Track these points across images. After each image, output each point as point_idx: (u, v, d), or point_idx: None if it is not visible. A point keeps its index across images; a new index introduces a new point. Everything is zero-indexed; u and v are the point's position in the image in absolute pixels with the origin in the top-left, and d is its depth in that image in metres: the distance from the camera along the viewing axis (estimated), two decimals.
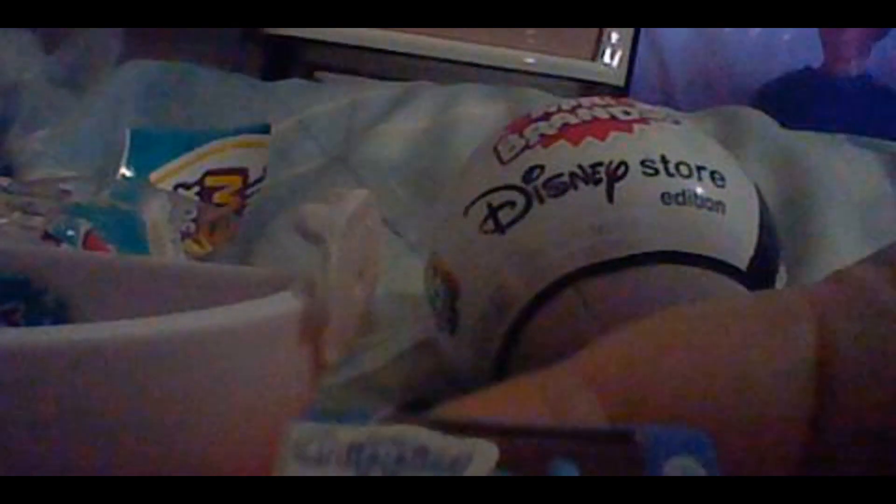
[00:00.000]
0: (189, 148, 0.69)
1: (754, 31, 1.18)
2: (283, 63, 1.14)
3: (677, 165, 0.36)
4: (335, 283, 0.24)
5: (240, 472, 0.22)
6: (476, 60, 1.13)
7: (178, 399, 0.21)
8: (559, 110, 0.39)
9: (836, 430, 0.17)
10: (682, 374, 0.17)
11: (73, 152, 0.68)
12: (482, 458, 0.15)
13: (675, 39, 1.18)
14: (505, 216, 0.36)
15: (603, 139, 0.37)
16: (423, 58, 1.12)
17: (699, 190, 0.36)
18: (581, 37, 1.14)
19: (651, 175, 0.36)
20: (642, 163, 0.36)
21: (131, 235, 0.48)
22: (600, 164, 0.36)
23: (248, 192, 0.68)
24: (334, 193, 0.26)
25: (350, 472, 0.15)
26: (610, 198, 0.35)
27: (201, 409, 0.21)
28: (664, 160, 0.36)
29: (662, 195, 0.35)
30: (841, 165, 0.68)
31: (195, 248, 0.57)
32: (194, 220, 0.56)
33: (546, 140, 0.38)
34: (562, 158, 0.37)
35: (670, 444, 0.15)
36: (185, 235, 0.55)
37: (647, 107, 0.40)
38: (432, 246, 0.41)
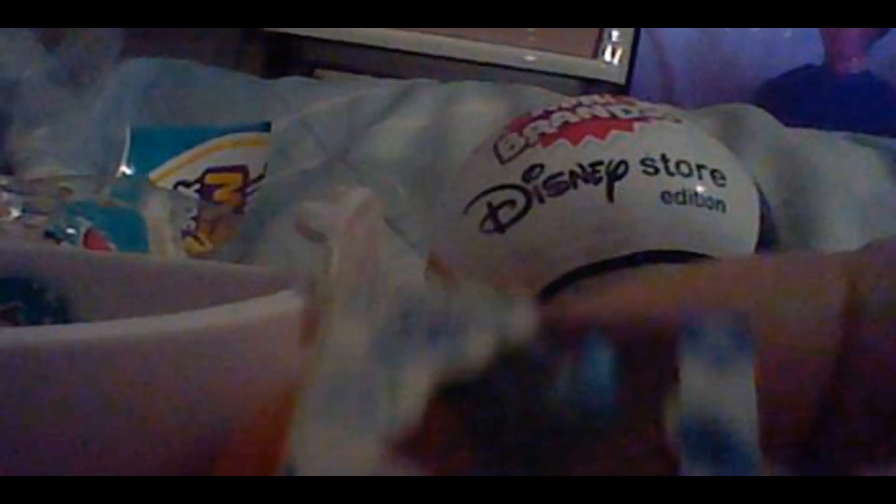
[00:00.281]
0: (189, 145, 0.69)
1: (755, 29, 1.18)
2: (283, 61, 1.14)
3: (677, 164, 0.36)
4: (336, 281, 0.24)
5: (240, 472, 0.22)
6: (476, 58, 1.13)
7: (179, 398, 0.21)
8: (559, 109, 0.39)
9: (857, 376, 0.18)
10: (721, 304, 0.18)
11: (73, 150, 0.68)
12: (522, 317, 0.16)
13: (676, 37, 1.17)
14: (505, 215, 0.36)
15: (603, 138, 0.37)
16: (423, 55, 1.12)
17: (699, 189, 0.36)
18: (582, 34, 1.14)
19: (651, 174, 0.36)
20: (642, 161, 0.36)
21: (132, 234, 0.48)
22: (600, 162, 0.36)
23: (249, 189, 0.68)
24: (336, 192, 0.26)
25: (395, 330, 0.16)
26: (610, 197, 0.35)
27: (201, 407, 0.21)
28: (664, 159, 0.36)
29: (662, 194, 0.35)
30: (842, 163, 0.67)
31: (195, 246, 0.57)
32: (195, 219, 0.56)
33: (546, 139, 0.38)
34: (562, 157, 0.37)
35: (702, 318, 0.16)
36: (186, 234, 0.55)
37: (648, 105, 0.40)
38: (432, 245, 0.41)
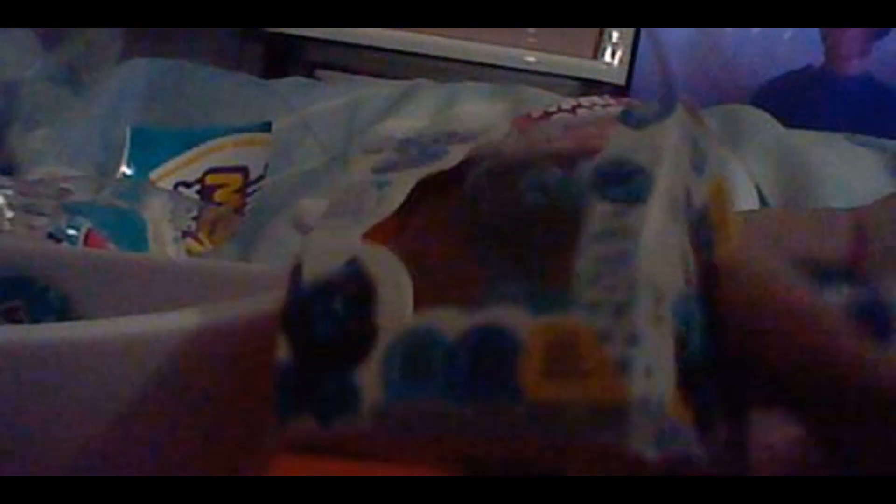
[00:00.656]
0: (189, 146, 0.69)
1: (755, 30, 1.18)
2: (283, 61, 1.14)
3: None
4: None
5: (240, 471, 0.22)
6: (477, 59, 1.13)
7: (179, 395, 0.21)
8: (559, 110, 0.39)
9: (868, 265, 0.19)
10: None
11: (73, 150, 0.69)
12: (497, 131, 0.17)
13: (676, 38, 1.17)
14: None
15: None
16: (423, 56, 1.12)
17: None
18: (582, 35, 1.14)
19: None
20: None
21: (132, 234, 0.48)
22: None
23: (249, 190, 0.68)
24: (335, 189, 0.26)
25: (394, 153, 0.18)
26: None
27: (203, 405, 0.21)
28: None
29: None
30: (842, 164, 0.68)
31: (195, 246, 0.57)
32: (195, 219, 0.56)
33: None
34: None
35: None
36: (186, 234, 0.55)
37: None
38: None
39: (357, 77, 1.07)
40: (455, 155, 0.17)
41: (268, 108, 0.75)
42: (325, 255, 0.17)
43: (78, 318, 0.28)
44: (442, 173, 0.17)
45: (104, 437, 0.20)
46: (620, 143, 0.16)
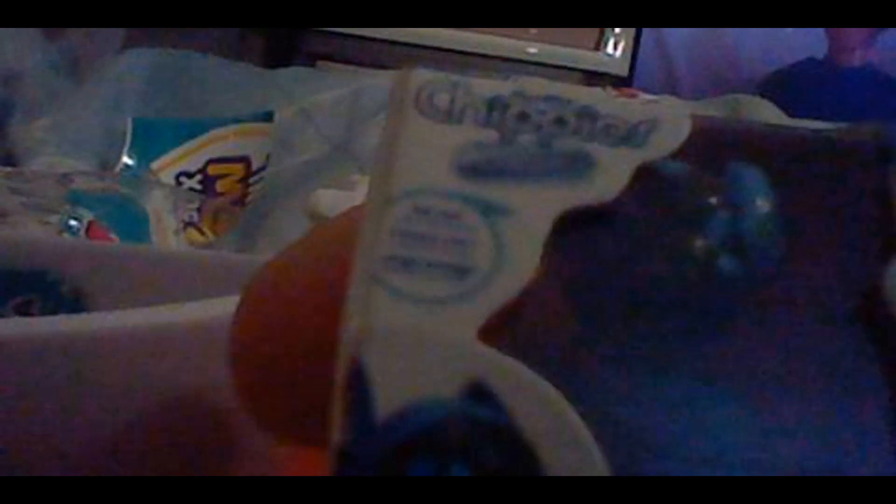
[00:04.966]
0: (191, 136, 0.69)
1: None
2: (284, 51, 1.14)
3: None
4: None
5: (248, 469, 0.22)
6: (478, 50, 1.12)
7: (191, 387, 0.21)
8: None
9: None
10: None
11: (74, 141, 0.68)
12: (671, 129, 0.11)
13: (679, 29, 1.17)
14: None
15: None
16: (425, 48, 1.12)
17: None
18: (584, 27, 1.14)
19: None
20: None
21: (133, 225, 0.48)
22: None
23: (251, 180, 0.68)
24: (349, 180, 0.26)
25: (490, 135, 0.10)
26: None
27: (210, 396, 0.21)
28: None
29: None
30: None
31: (197, 236, 0.56)
32: (197, 209, 0.56)
33: None
34: None
35: None
36: (189, 224, 0.55)
37: (650, 97, 0.40)
38: None
39: (359, 68, 1.07)
40: (613, 170, 0.10)
41: (269, 98, 0.75)
42: (415, 370, 0.09)
43: (90, 311, 0.28)
44: (597, 210, 0.10)
45: (117, 430, 0.20)
46: None
